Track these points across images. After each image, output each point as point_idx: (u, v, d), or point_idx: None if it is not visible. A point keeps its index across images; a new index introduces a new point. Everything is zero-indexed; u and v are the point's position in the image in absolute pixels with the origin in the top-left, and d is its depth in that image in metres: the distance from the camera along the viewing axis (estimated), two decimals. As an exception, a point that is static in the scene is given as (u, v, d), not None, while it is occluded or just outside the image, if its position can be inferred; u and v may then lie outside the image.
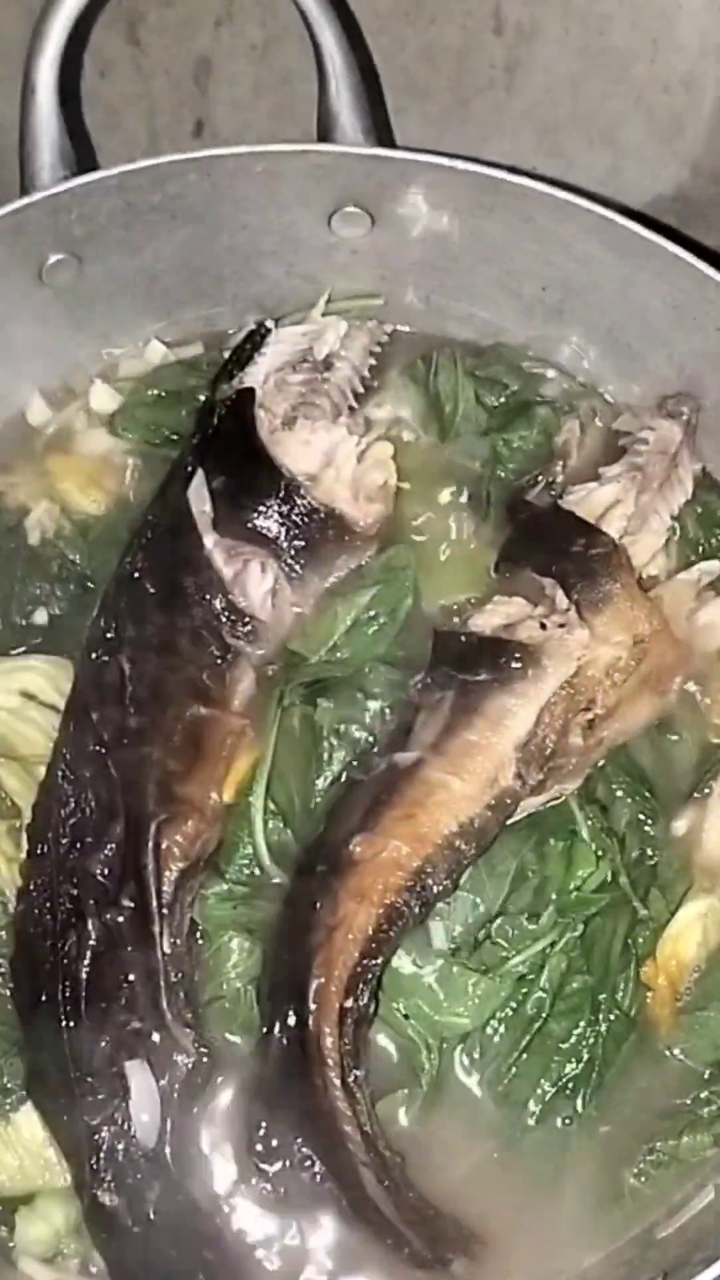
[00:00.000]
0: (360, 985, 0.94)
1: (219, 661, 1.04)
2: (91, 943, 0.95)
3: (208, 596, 1.04)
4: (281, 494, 1.05)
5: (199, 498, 1.05)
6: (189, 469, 1.07)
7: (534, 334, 1.17)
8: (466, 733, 0.99)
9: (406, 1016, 0.98)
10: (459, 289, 1.17)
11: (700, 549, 1.11)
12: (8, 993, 0.98)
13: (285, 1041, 0.94)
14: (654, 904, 1.01)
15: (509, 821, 1.00)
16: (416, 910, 0.97)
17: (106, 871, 0.97)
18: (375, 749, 1.03)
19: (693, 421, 1.11)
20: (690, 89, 1.28)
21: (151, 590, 1.04)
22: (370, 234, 1.13)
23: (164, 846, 0.98)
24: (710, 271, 1.04)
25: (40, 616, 1.09)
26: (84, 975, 0.95)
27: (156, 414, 1.16)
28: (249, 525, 1.04)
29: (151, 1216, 0.92)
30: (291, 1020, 0.94)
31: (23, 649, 1.08)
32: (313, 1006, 0.93)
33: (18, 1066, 0.96)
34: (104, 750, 1.00)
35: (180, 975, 0.97)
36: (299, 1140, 0.93)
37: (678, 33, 1.24)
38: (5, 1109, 0.96)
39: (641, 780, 1.05)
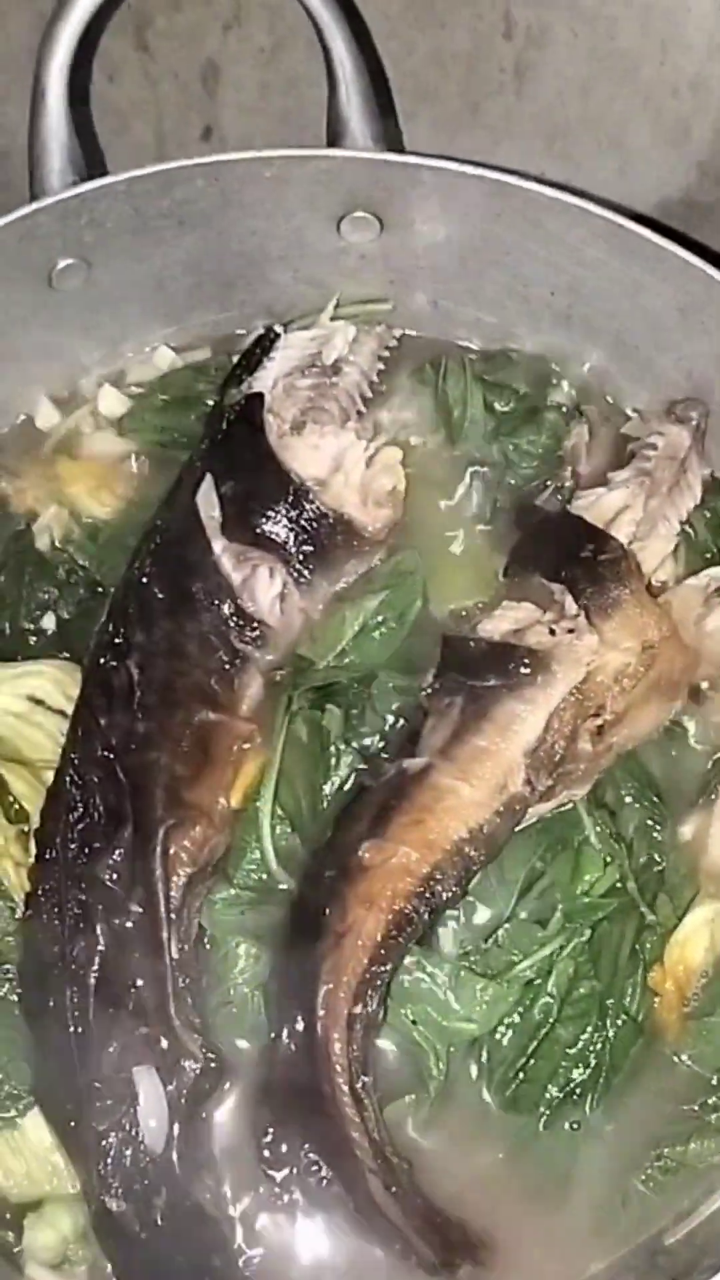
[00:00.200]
0: (369, 992, 0.94)
1: (227, 666, 1.04)
2: (100, 948, 0.95)
3: (216, 601, 1.04)
4: (290, 499, 1.05)
5: (208, 503, 1.05)
6: (198, 474, 1.07)
7: (542, 339, 1.17)
8: (476, 739, 0.99)
9: (414, 1022, 0.98)
10: (467, 294, 1.17)
11: (709, 554, 1.11)
12: (15, 998, 0.98)
13: (293, 1047, 0.94)
14: (661, 909, 1.01)
15: (518, 827, 1.00)
16: (425, 916, 0.97)
17: (115, 877, 0.97)
18: (384, 754, 1.03)
19: (702, 426, 1.11)
20: (698, 91, 1.27)
21: (160, 595, 1.04)
22: (379, 239, 1.13)
23: (172, 852, 0.98)
24: (719, 276, 1.04)
25: (48, 621, 1.09)
26: (92, 981, 0.95)
27: (165, 418, 1.16)
28: (258, 530, 1.04)
29: (159, 1222, 0.92)
30: (300, 1026, 0.94)
31: (31, 653, 1.08)
32: (321, 1013, 0.93)
33: (25, 1072, 0.96)
34: (112, 755, 1.00)
35: (188, 981, 0.97)
36: (307, 1146, 0.93)
37: (686, 35, 1.24)
38: (13, 1115, 0.96)
39: (649, 785, 1.05)
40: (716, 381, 1.11)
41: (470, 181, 1.04)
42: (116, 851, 0.98)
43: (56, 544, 1.11)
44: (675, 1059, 1.00)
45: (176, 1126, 0.93)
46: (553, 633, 1.02)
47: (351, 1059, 0.93)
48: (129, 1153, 0.92)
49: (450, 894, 0.97)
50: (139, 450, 1.16)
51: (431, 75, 1.35)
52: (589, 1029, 0.98)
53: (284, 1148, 0.93)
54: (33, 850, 1.00)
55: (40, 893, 0.98)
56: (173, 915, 0.97)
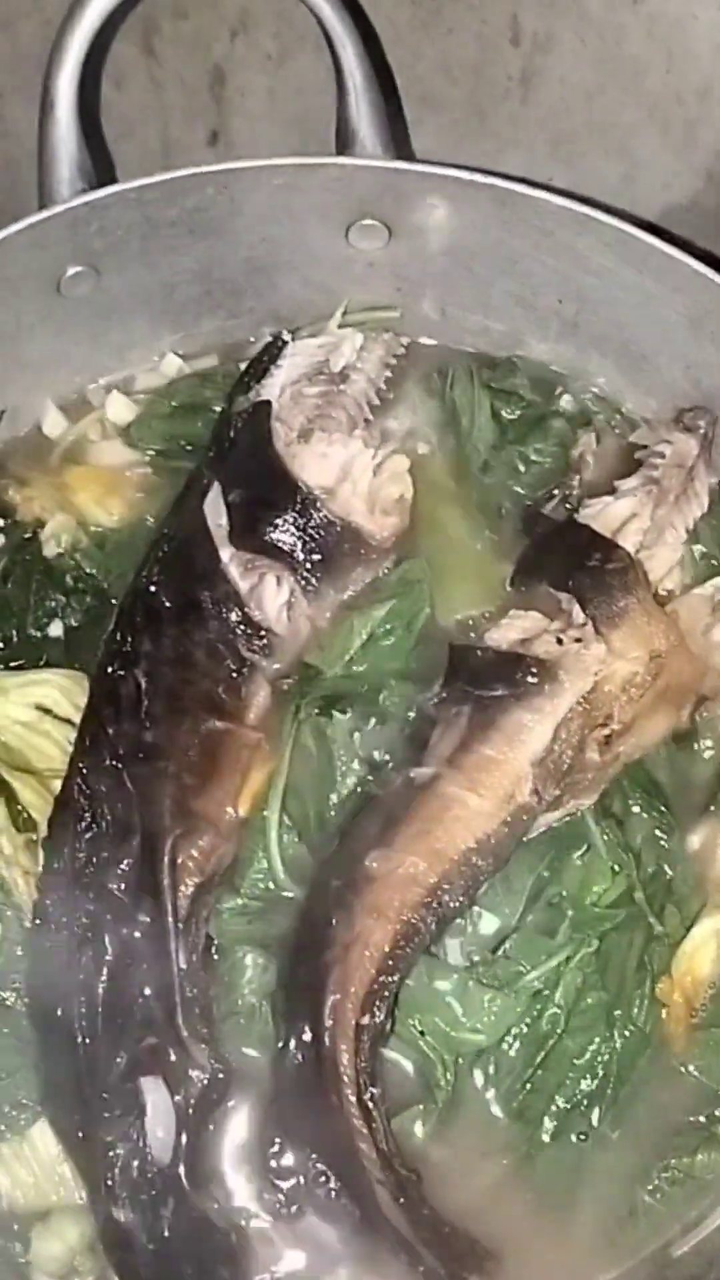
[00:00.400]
0: (376, 1002, 0.94)
1: (234, 675, 1.04)
2: (108, 958, 0.95)
3: (224, 610, 1.03)
4: (298, 507, 1.04)
5: (215, 510, 1.05)
6: (205, 481, 1.07)
7: (550, 347, 1.17)
8: (483, 748, 0.98)
9: (422, 1032, 0.97)
10: (475, 301, 1.16)
11: (716, 563, 1.11)
12: (23, 1008, 0.98)
13: (301, 1058, 0.94)
14: (669, 920, 1.01)
15: (525, 838, 1.00)
16: (433, 927, 0.96)
17: (122, 886, 0.97)
18: (391, 764, 1.03)
19: (710, 435, 1.11)
20: (705, 99, 1.27)
21: (167, 603, 1.04)
22: (387, 246, 1.13)
23: (179, 861, 0.98)
24: (727, 284, 1.04)
25: (56, 629, 1.09)
26: (100, 990, 0.95)
27: (173, 426, 1.16)
28: (265, 538, 1.04)
29: (166, 1233, 0.92)
30: (307, 1037, 0.93)
31: (39, 662, 1.08)
32: (328, 1023, 0.93)
33: (33, 1082, 0.96)
34: (120, 764, 1.00)
35: (195, 991, 0.96)
36: (314, 1157, 0.92)
37: (693, 43, 1.24)
38: (20, 1125, 0.95)
39: (657, 795, 1.05)
40: (724, 391, 1.11)
41: (479, 190, 1.04)
42: (124, 861, 0.97)
43: (64, 552, 1.11)
44: (682, 1070, 1.00)
45: (184, 1137, 0.93)
46: (560, 642, 1.01)
47: (359, 1069, 0.93)
48: (136, 1163, 0.92)
49: (458, 904, 0.97)
50: (146, 458, 1.15)
51: (438, 82, 1.35)
52: (596, 1040, 0.98)
53: (291, 1158, 0.93)
54: (41, 859, 0.99)
55: (48, 902, 0.98)
56: (180, 925, 0.97)
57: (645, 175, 1.35)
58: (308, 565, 1.05)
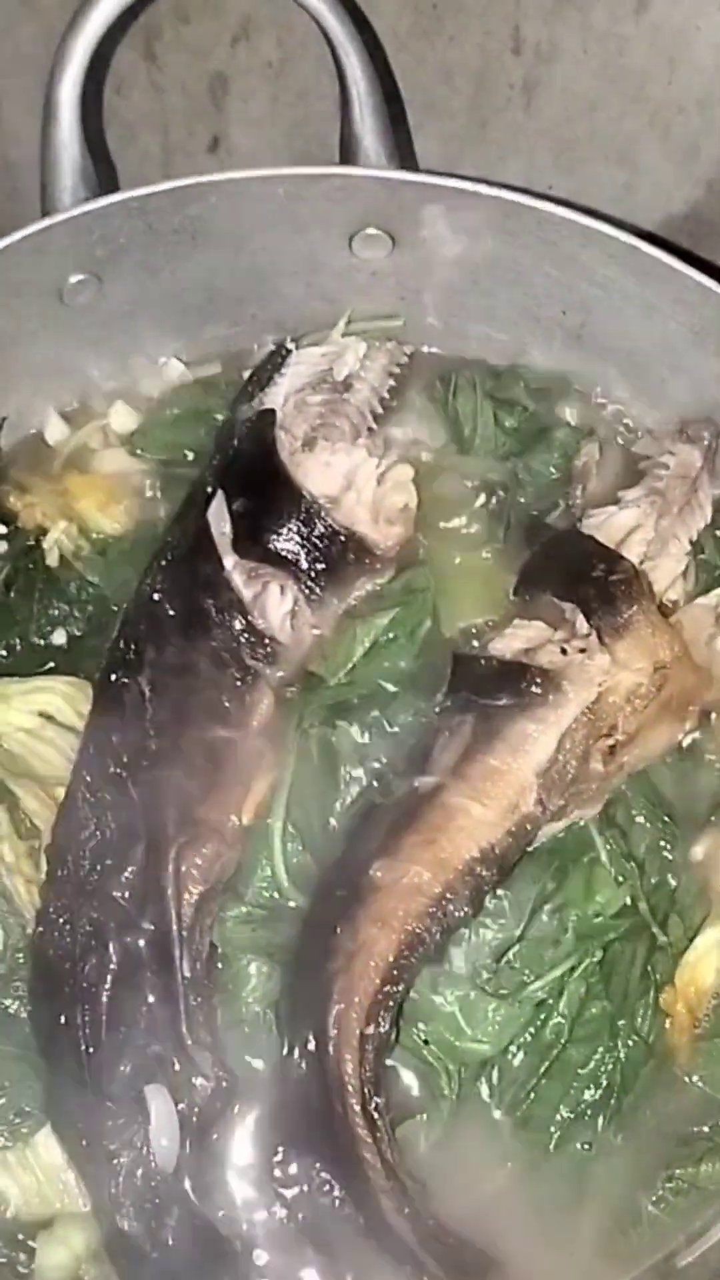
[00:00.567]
0: (381, 1012, 0.94)
1: (238, 683, 1.03)
2: (112, 966, 0.95)
3: (227, 618, 1.03)
4: (302, 516, 1.04)
5: (219, 519, 1.05)
6: (209, 490, 1.06)
7: (554, 357, 1.17)
8: (487, 758, 0.98)
9: (426, 1042, 0.98)
10: (479, 311, 1.17)
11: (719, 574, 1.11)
12: (27, 1015, 0.97)
13: (305, 1067, 0.94)
14: (673, 930, 1.01)
15: (529, 847, 1.00)
16: (437, 936, 0.96)
17: (127, 895, 0.97)
18: (394, 773, 1.03)
19: (713, 446, 1.11)
20: (706, 109, 1.28)
21: (171, 612, 1.04)
22: (391, 256, 1.13)
23: (183, 869, 0.98)
24: (731, 296, 1.04)
25: (59, 637, 1.09)
26: (104, 999, 0.95)
27: (175, 434, 1.16)
28: (269, 547, 1.04)
29: (170, 1242, 0.92)
30: (311, 1046, 0.93)
31: (42, 669, 1.08)
32: (333, 1032, 0.93)
33: (37, 1090, 0.96)
34: (124, 772, 1.00)
35: (199, 999, 0.97)
36: (318, 1165, 0.93)
37: (695, 54, 1.24)
38: (24, 1132, 0.95)
39: (661, 805, 1.05)
40: (728, 401, 1.12)
41: (483, 201, 1.04)
42: (128, 869, 0.97)
43: (67, 560, 1.11)
44: (686, 1080, 1.00)
45: (188, 1145, 0.93)
46: (564, 652, 1.01)
47: (364, 1079, 0.93)
48: (140, 1171, 0.92)
49: (462, 914, 0.97)
50: (149, 466, 1.15)
51: (440, 90, 1.36)
52: (600, 1050, 0.98)
53: (295, 1167, 0.93)
54: (44, 867, 0.99)
55: (52, 910, 0.98)
56: (184, 933, 0.97)
57: (646, 184, 1.35)
58: (311, 574, 1.05)
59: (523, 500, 1.13)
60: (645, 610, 1.02)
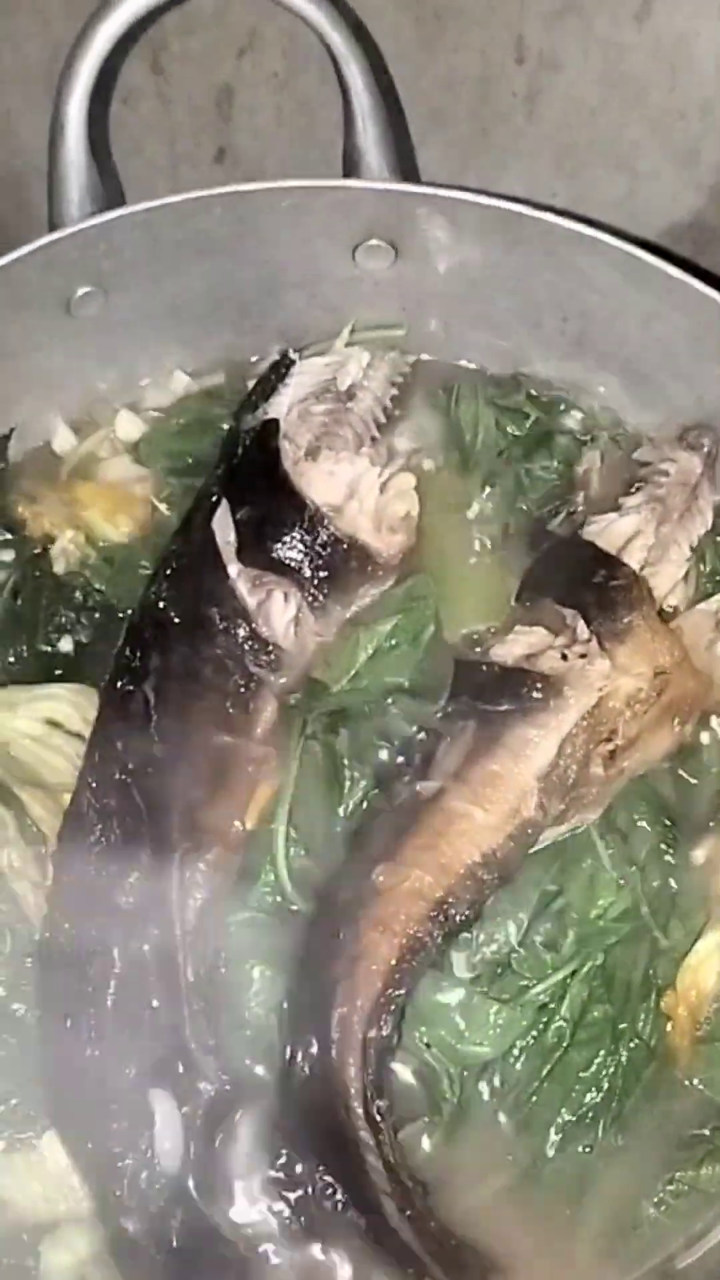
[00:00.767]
0: (383, 1015, 0.95)
1: (242, 690, 1.04)
2: (117, 971, 0.96)
3: (232, 626, 1.04)
4: (305, 525, 1.05)
5: (223, 527, 1.06)
6: (214, 499, 1.07)
7: (555, 364, 1.18)
8: (489, 762, 0.99)
9: (428, 1045, 0.98)
10: (480, 320, 1.17)
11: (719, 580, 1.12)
12: (33, 1020, 0.98)
13: (308, 1070, 0.94)
14: (674, 934, 1.02)
15: (530, 851, 1.01)
16: (439, 940, 0.97)
17: (131, 900, 0.98)
18: (397, 778, 1.04)
19: (713, 453, 1.12)
20: (707, 115, 1.28)
21: (176, 619, 1.05)
22: (393, 266, 1.13)
23: (188, 875, 0.99)
24: (729, 304, 1.05)
25: (66, 645, 1.10)
26: (109, 1003, 0.96)
27: (180, 443, 1.17)
28: (273, 555, 1.05)
29: (174, 1244, 0.93)
30: (314, 1049, 0.94)
31: (49, 677, 1.08)
32: (335, 1036, 0.94)
33: (42, 1093, 0.96)
34: (129, 779, 1.01)
35: (203, 1003, 0.97)
36: (321, 1168, 0.93)
37: (696, 61, 1.25)
38: (29, 1136, 0.96)
39: (661, 809, 1.06)
40: (728, 409, 1.12)
41: (484, 211, 1.05)
42: (133, 874, 0.98)
43: (74, 568, 1.12)
44: (687, 1084, 1.01)
45: (192, 1148, 0.94)
46: (565, 658, 1.02)
47: (366, 1082, 0.94)
48: (144, 1174, 0.93)
49: (463, 917, 0.98)
50: (154, 475, 1.16)
51: (442, 98, 1.36)
52: (601, 1053, 0.99)
53: (298, 1170, 0.93)
54: (50, 872, 1.00)
55: (58, 915, 0.99)
56: (188, 938, 0.98)
57: (648, 191, 1.36)
58: (315, 582, 1.06)
59: (524, 507, 1.14)
60: (645, 616, 1.03)
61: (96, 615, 1.11)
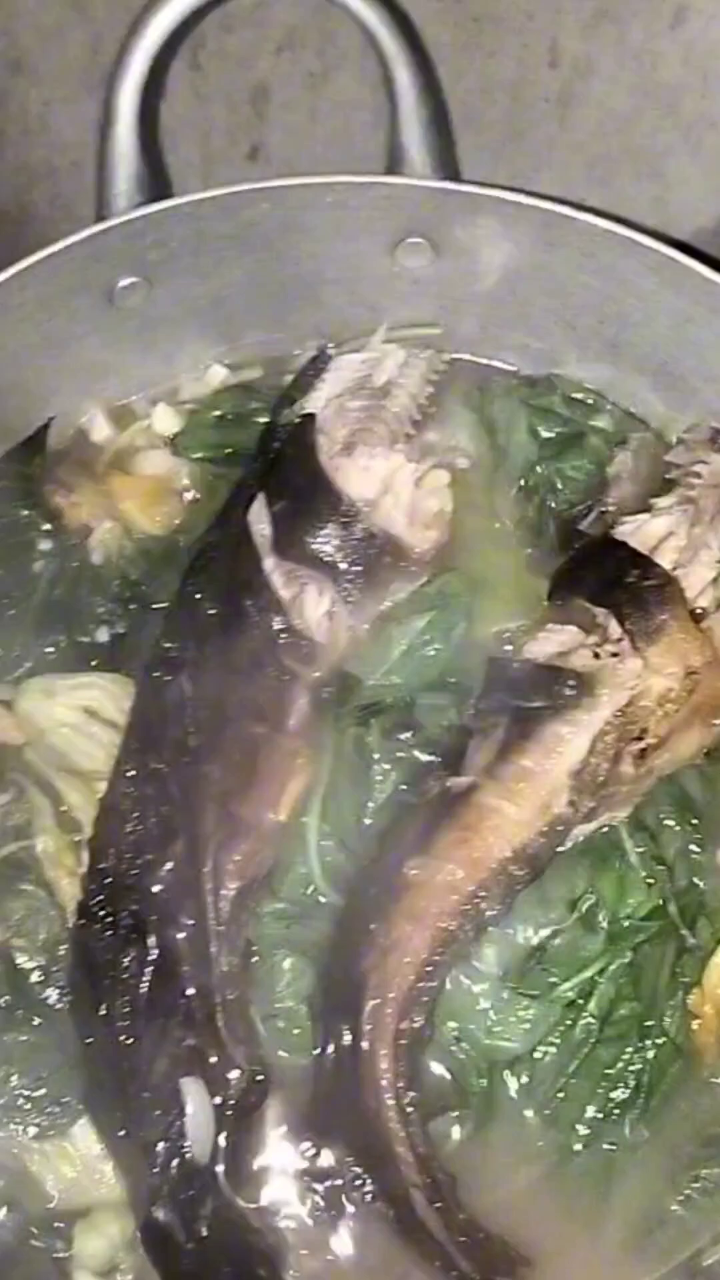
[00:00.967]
0: (415, 1008, 0.95)
1: (276, 683, 1.05)
2: (151, 959, 0.96)
3: (266, 618, 1.05)
4: (340, 519, 1.06)
5: (259, 520, 1.07)
6: (250, 491, 1.08)
7: (589, 366, 1.18)
8: (521, 759, 1.00)
9: (458, 1039, 0.99)
10: (516, 320, 1.18)
11: (749, 581, 1.13)
12: (66, 1007, 0.99)
13: (339, 1062, 0.95)
14: (701, 932, 1.02)
15: (560, 848, 1.01)
16: (470, 933, 0.98)
17: (165, 889, 0.98)
18: (428, 773, 1.04)
19: (746, 456, 1.13)
20: (737, 124, 1.29)
21: (211, 611, 1.05)
22: (432, 264, 1.14)
23: (221, 865, 0.99)
24: (766, 309, 1.06)
25: (102, 635, 1.10)
26: (142, 991, 0.96)
27: (217, 436, 1.17)
28: (308, 548, 1.06)
29: (204, 1233, 0.93)
30: (346, 1040, 0.95)
31: (85, 666, 1.09)
32: (367, 1027, 0.95)
33: (75, 1081, 0.97)
34: (164, 768, 1.01)
35: (235, 993, 0.98)
36: (351, 1159, 0.94)
37: (729, 69, 1.26)
38: (62, 1123, 0.97)
39: (689, 808, 1.06)
40: (760, 411, 1.13)
41: (526, 212, 1.06)
42: (167, 864, 0.99)
43: (110, 559, 1.12)
44: (713, 1081, 1.01)
45: (222, 1138, 0.95)
46: (597, 656, 1.03)
47: (398, 1074, 0.94)
48: (176, 1163, 0.93)
49: (494, 912, 0.98)
50: (191, 467, 1.17)
51: (476, 102, 1.37)
52: (629, 1050, 0.99)
53: (328, 1161, 0.94)
54: (85, 860, 1.01)
55: (92, 903, 0.99)
56: (221, 928, 0.98)
57: (677, 198, 1.37)
58: (348, 576, 1.06)
59: (556, 506, 1.15)
60: (678, 616, 1.03)
61: (132, 606, 1.11)
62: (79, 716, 1.05)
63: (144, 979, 0.96)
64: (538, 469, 1.16)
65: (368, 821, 1.04)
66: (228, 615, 1.05)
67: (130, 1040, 0.95)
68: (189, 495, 1.17)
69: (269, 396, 1.16)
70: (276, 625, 1.05)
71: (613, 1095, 0.99)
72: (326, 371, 1.13)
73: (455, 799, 1.00)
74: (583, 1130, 0.99)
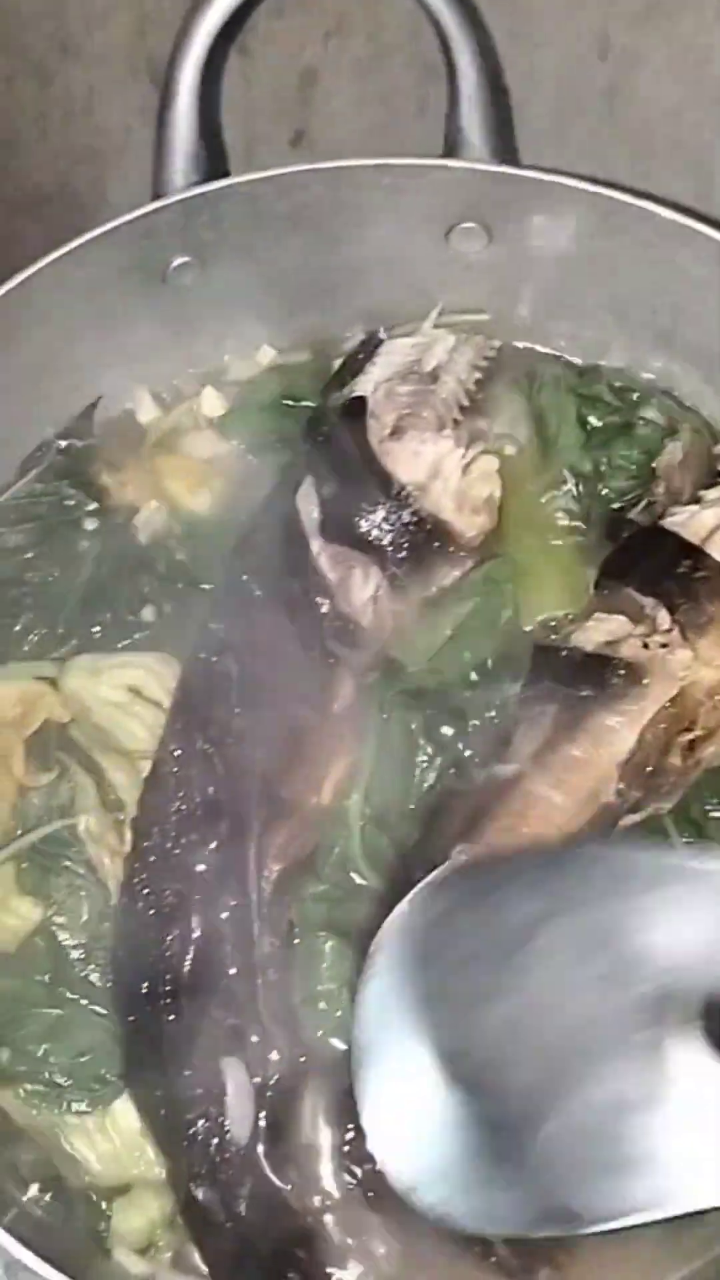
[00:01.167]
0: (461, 993, 0.95)
1: (321, 666, 1.05)
2: (195, 938, 0.96)
3: (313, 601, 1.05)
4: (389, 503, 1.05)
5: (307, 503, 1.07)
6: (298, 474, 1.08)
7: (640, 355, 1.18)
8: (570, 747, 0.99)
9: (500, 1025, 0.99)
10: (568, 307, 1.18)
11: None
12: (108, 985, 0.99)
13: (381, 1045, 0.95)
14: (746, 924, 1.02)
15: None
16: (515, 921, 0.98)
17: (209, 869, 0.98)
18: (472, 759, 1.04)
19: None
20: (784, 120, 1.29)
21: (258, 593, 1.05)
22: (486, 249, 1.14)
23: (265, 846, 0.99)
24: None
25: (148, 614, 1.10)
26: (185, 970, 0.96)
27: (264, 418, 1.17)
28: (355, 532, 1.05)
29: (243, 1212, 0.93)
30: (390, 1025, 0.95)
31: (130, 645, 1.08)
32: (411, 1012, 0.94)
33: (116, 1058, 0.97)
34: (210, 748, 1.01)
35: (277, 975, 0.98)
36: (390, 1143, 0.94)
37: (778, 64, 1.26)
38: (103, 1099, 0.96)
39: (733, 801, 1.06)
40: None
41: (586, 198, 1.06)
42: (211, 843, 0.99)
43: (157, 539, 1.12)
44: (755, 1073, 1.01)
45: (262, 1118, 0.94)
46: (646, 646, 1.03)
47: (439, 1059, 0.94)
48: (215, 1142, 0.93)
49: (539, 900, 0.98)
50: (238, 449, 1.17)
51: (522, 92, 1.37)
52: (671, 1038, 0.99)
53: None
54: (128, 839, 1.01)
55: (136, 881, 0.99)
56: (264, 909, 0.98)
57: (718, 193, 1.37)
58: (395, 560, 1.06)
59: (605, 494, 1.14)
60: (728, 608, 1.04)
61: (178, 586, 1.11)
62: (124, 695, 1.05)
63: (187, 958, 0.96)
64: (586, 458, 1.15)
65: (410, 806, 1.03)
66: (274, 598, 1.05)
67: (172, 1019, 0.95)
68: (235, 477, 1.16)
69: (317, 379, 1.16)
70: (323, 609, 1.05)
71: (653, 1085, 0.99)
72: (376, 355, 1.13)
73: (502, 786, 1.00)
74: (622, 1120, 0.99)
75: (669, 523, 1.10)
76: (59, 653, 1.09)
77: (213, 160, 1.09)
